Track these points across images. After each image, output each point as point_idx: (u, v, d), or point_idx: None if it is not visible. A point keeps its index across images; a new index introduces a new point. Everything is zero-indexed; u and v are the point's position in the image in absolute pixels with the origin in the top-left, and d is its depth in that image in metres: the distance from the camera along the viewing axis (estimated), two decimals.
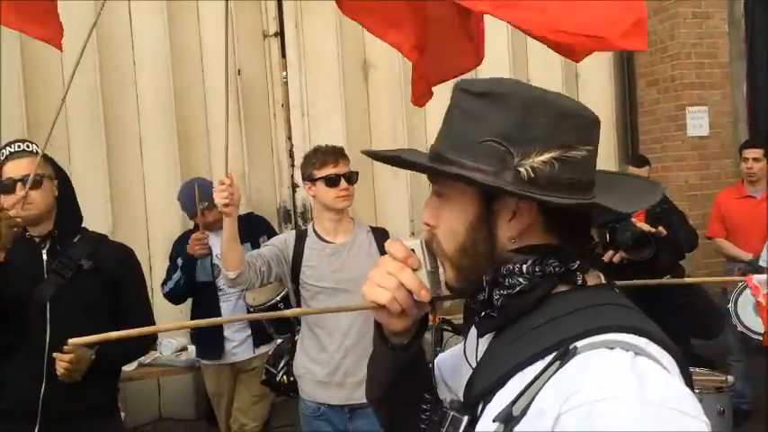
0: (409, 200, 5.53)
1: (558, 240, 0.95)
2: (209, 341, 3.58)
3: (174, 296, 3.61)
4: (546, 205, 0.91)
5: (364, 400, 2.58)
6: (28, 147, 2.33)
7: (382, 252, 3.01)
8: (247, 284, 2.58)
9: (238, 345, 3.55)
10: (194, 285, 3.52)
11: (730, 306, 3.46)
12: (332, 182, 2.63)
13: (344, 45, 5.49)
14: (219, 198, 2.40)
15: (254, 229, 3.61)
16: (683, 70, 5.71)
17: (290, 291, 2.76)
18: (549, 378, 0.82)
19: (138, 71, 5.19)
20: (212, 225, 3.52)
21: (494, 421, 0.85)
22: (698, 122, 5.69)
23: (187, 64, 5.27)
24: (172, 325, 2.77)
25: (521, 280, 0.93)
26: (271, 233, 3.74)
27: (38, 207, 2.26)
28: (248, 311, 3.43)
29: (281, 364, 2.91)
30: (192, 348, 4.22)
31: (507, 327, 0.95)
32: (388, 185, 5.60)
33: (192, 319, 3.67)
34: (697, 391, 3.51)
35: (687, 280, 2.64)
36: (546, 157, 0.90)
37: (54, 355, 2.18)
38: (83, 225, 2.47)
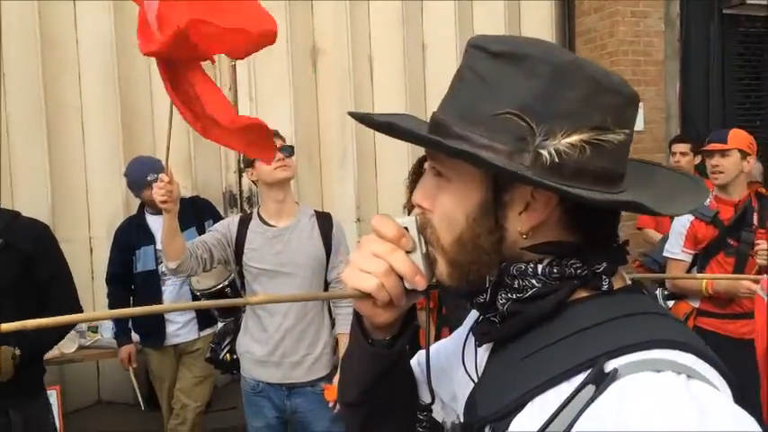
0: (355, 187, 5.60)
1: (581, 238, 0.79)
2: (151, 329, 3.59)
3: (113, 293, 3.68)
4: (570, 199, 0.74)
5: (302, 380, 2.68)
6: None
7: (324, 235, 3.05)
8: (189, 272, 2.61)
9: (181, 327, 3.58)
10: (132, 276, 3.55)
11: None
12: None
13: (293, 30, 5.49)
14: (158, 194, 2.42)
15: (198, 213, 3.63)
16: (621, 67, 5.92)
17: (234, 273, 2.81)
18: (587, 406, 0.67)
19: (81, 49, 5.08)
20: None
21: None
22: None
23: (132, 43, 5.18)
24: (109, 313, 2.77)
25: (534, 282, 0.78)
26: (216, 216, 3.76)
27: None
28: (193, 296, 3.45)
29: (225, 343, 2.96)
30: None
31: (514, 338, 0.80)
32: (335, 172, 5.66)
33: (134, 304, 3.67)
34: None
35: (706, 276, 2.75)
36: (575, 138, 0.73)
37: None
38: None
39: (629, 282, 0.82)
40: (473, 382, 0.86)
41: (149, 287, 3.51)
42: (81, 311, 2.57)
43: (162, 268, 3.49)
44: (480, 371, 0.86)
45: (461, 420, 0.86)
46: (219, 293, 3.31)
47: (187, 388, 3.59)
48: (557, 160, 0.72)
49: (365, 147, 5.61)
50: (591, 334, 0.73)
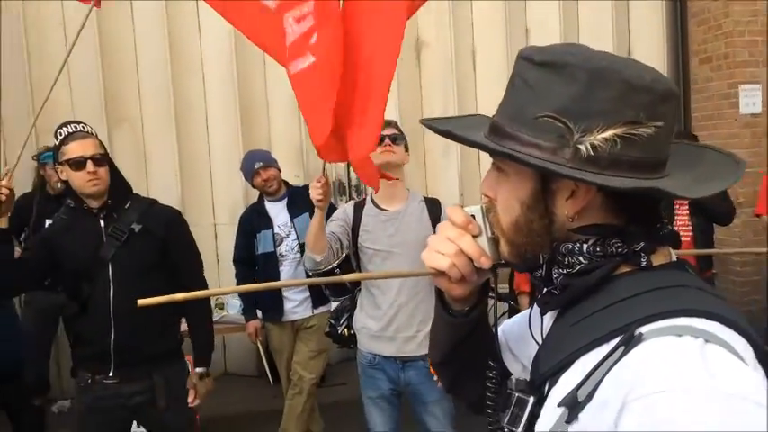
0: (458, 174, 5.74)
1: (622, 220, 0.90)
2: (271, 306, 3.90)
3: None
4: (598, 187, 0.86)
5: (415, 353, 2.86)
6: (84, 128, 2.62)
7: (433, 220, 3.24)
8: (327, 264, 2.82)
9: (298, 304, 3.85)
10: (255, 258, 3.88)
11: None
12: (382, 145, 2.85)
13: None
14: (315, 194, 2.64)
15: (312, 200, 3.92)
16: (737, 48, 5.69)
17: (350, 253, 3.02)
18: (614, 364, 0.78)
19: (205, 53, 5.52)
20: (266, 184, 3.84)
21: (559, 406, 0.83)
22: (751, 100, 5.68)
23: (249, 46, 5.56)
24: (237, 288, 3.07)
25: (581, 259, 0.89)
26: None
27: (104, 182, 2.58)
28: (307, 275, 3.72)
29: (343, 319, 3.17)
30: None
31: (570, 307, 0.92)
32: (438, 160, 5.82)
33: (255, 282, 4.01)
34: None
35: (745, 250, 2.72)
36: (608, 134, 0.83)
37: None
38: (135, 193, 2.77)
39: (673, 259, 0.93)
40: (537, 344, 1.00)
41: (269, 267, 3.81)
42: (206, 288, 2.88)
43: (280, 250, 3.80)
44: (544, 335, 1.00)
45: (522, 379, 0.98)
46: (330, 273, 3.53)
47: (303, 361, 3.87)
48: (593, 153, 0.84)
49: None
50: (627, 304, 0.84)
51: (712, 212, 4.33)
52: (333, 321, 3.25)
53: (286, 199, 3.92)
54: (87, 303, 2.61)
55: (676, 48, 6.31)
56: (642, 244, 0.89)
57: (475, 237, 0.98)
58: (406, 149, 3.00)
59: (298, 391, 3.86)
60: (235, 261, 3.97)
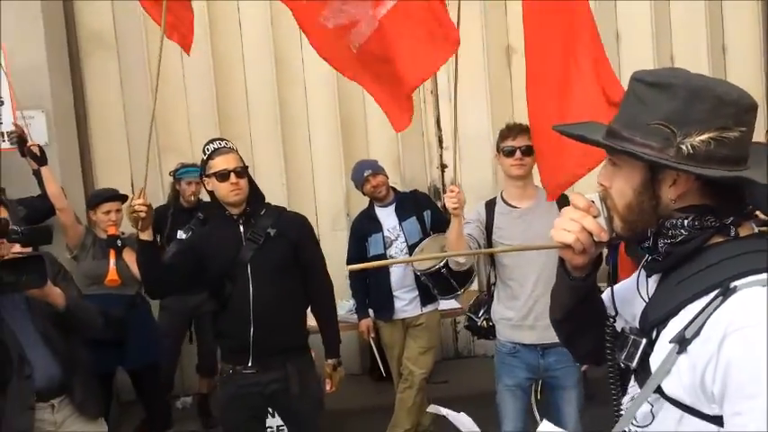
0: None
1: (714, 201, 1.15)
2: (382, 304, 4.16)
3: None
4: (697, 176, 1.12)
5: (554, 340, 3.01)
6: (227, 144, 2.95)
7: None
8: (470, 264, 3.07)
9: (407, 303, 4.10)
10: (367, 260, 4.12)
11: None
12: (509, 153, 3.06)
13: (488, 30, 5.86)
14: (450, 203, 2.85)
15: (419, 204, 4.17)
16: None
17: (483, 247, 3.21)
18: (715, 310, 1.05)
19: (307, 71, 5.85)
20: (376, 190, 4.11)
21: (670, 342, 1.10)
22: None
23: None
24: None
25: (682, 231, 1.15)
26: (433, 208, 4.26)
27: (244, 191, 2.88)
28: (416, 276, 3.96)
29: (481, 312, 3.37)
30: None
31: (672, 271, 1.18)
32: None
33: (369, 285, 4.28)
34: None
35: None
36: (704, 137, 1.09)
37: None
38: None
39: (756, 231, 1.19)
40: (644, 302, 1.25)
41: (380, 269, 4.07)
42: (332, 287, 3.16)
43: (390, 252, 4.05)
44: (650, 295, 1.25)
45: (635, 327, 1.25)
46: (437, 274, 3.74)
47: (413, 357, 4.10)
48: (691, 151, 1.10)
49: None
50: (722, 265, 1.11)
51: None
52: (470, 315, 3.44)
53: (394, 204, 4.18)
54: (229, 301, 2.91)
55: None
56: (731, 219, 1.15)
57: (594, 217, 1.23)
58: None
59: (408, 385, 4.09)
60: (348, 263, 4.24)
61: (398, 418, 4.15)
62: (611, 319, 1.32)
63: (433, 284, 3.83)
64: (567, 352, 2.96)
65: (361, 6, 2.85)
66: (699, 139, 1.10)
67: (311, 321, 4.36)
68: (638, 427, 1.18)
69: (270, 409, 3.31)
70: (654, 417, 1.15)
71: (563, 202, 3.11)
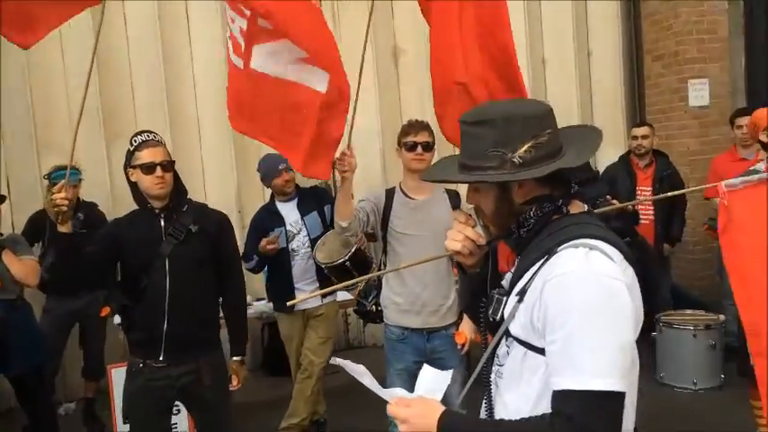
0: None
1: (548, 190, 1.48)
2: (283, 296, 4.13)
3: (254, 271, 4.34)
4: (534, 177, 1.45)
5: (438, 325, 3.24)
6: (155, 137, 2.92)
7: (453, 208, 3.72)
8: (354, 232, 3.15)
9: None
10: (270, 258, 4.18)
11: None
12: (410, 147, 3.23)
13: (375, 30, 6.05)
14: (340, 165, 2.94)
15: (319, 200, 4.28)
16: (686, 46, 6.22)
17: (378, 236, 3.37)
18: (541, 267, 1.40)
19: (196, 66, 5.82)
20: (287, 185, 4.19)
21: (516, 295, 1.46)
22: (699, 94, 6.22)
23: None
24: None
25: (532, 221, 1.49)
26: (332, 202, 4.33)
27: (169, 185, 2.88)
28: (317, 268, 4.07)
29: (371, 297, 3.53)
30: (256, 304, 4.95)
31: (530, 245, 1.51)
32: None
33: (268, 277, 4.39)
34: (691, 327, 4.22)
35: (663, 196, 3.10)
36: (525, 147, 1.42)
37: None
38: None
39: (584, 209, 1.53)
40: (511, 272, 1.58)
41: (282, 262, 4.16)
42: (244, 285, 3.23)
43: (292, 245, 4.15)
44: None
45: (502, 289, 1.56)
46: (340, 267, 3.87)
47: (313, 347, 4.21)
48: (521, 161, 1.43)
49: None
50: (555, 235, 1.44)
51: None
52: (360, 299, 3.59)
53: (296, 199, 4.27)
54: (143, 295, 2.89)
55: (631, 46, 6.81)
56: (561, 201, 1.49)
57: (473, 227, 1.57)
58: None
59: (307, 375, 4.20)
60: (244, 256, 4.21)
61: (296, 408, 4.24)
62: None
63: (335, 276, 3.93)
64: (450, 335, 3.26)
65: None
66: (522, 150, 1.42)
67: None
68: (498, 365, 1.52)
69: (177, 405, 3.31)
70: (508, 355, 1.48)
71: (453, 198, 3.38)
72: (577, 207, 1.53)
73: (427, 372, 1.61)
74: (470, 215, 1.56)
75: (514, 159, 1.42)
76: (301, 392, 4.23)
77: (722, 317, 4.85)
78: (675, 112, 6.36)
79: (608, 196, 2.99)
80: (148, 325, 2.89)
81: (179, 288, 2.87)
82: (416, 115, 6.07)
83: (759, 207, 1.79)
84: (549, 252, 1.40)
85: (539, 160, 1.43)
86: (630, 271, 1.41)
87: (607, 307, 1.30)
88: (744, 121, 5.19)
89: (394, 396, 1.50)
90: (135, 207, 3.00)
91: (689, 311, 5.01)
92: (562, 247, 1.39)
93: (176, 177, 2.96)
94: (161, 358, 2.89)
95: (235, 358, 3.12)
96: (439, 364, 3.24)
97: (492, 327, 1.54)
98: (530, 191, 1.49)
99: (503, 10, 2.89)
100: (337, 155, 2.95)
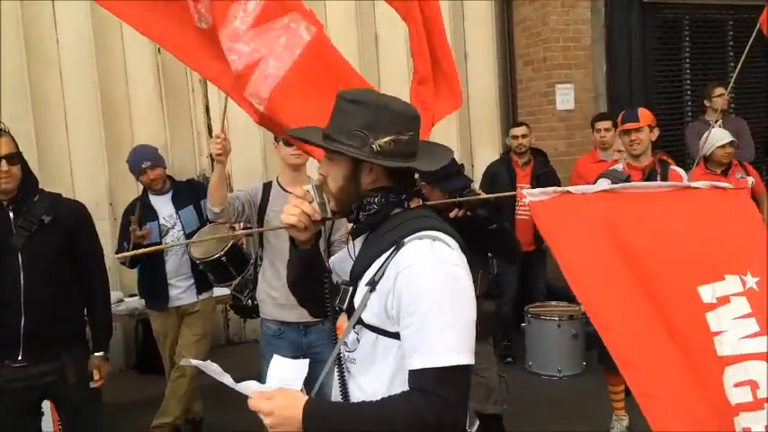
0: None
1: (395, 183, 1.59)
2: (156, 293, 4.08)
3: (128, 265, 4.17)
4: (382, 166, 1.54)
5: (315, 319, 3.21)
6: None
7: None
8: (227, 219, 3.09)
9: (183, 291, 4.06)
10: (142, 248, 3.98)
11: None
12: (287, 142, 3.17)
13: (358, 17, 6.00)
14: (214, 148, 2.88)
15: (195, 193, 4.15)
16: (553, 52, 6.60)
17: (254, 228, 3.32)
18: (391, 259, 1.50)
19: (62, 50, 5.47)
20: (153, 183, 4.04)
21: (365, 286, 1.53)
22: (565, 98, 6.63)
23: (107, 39, 5.59)
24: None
25: (374, 206, 1.58)
26: None
27: (15, 179, 2.72)
28: (192, 263, 3.95)
29: (246, 291, 3.46)
30: (128, 300, 4.73)
31: (370, 234, 1.62)
32: None
33: (140, 273, 4.19)
34: (556, 318, 4.51)
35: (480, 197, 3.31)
36: (387, 138, 1.51)
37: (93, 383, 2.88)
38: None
39: (420, 203, 1.66)
40: (353, 260, 1.66)
41: (155, 257, 3.97)
42: (107, 278, 3.07)
43: (166, 240, 4.00)
44: (356, 255, 1.65)
45: (347, 279, 1.64)
46: (216, 262, 3.79)
47: (188, 344, 4.08)
48: (380, 149, 1.52)
49: None
50: (398, 228, 1.54)
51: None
52: (236, 294, 3.52)
53: (171, 192, 4.12)
54: None
55: (504, 51, 7.13)
56: (404, 195, 1.61)
57: (310, 202, 1.60)
58: None
59: (181, 374, 4.08)
60: (116, 253, 4.08)
61: (168, 407, 4.11)
62: (327, 274, 1.73)
63: (211, 272, 3.86)
64: (326, 329, 3.26)
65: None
66: (384, 140, 1.51)
67: None
68: (348, 351, 1.60)
69: (42, 407, 3.12)
70: (359, 342, 1.56)
71: None
72: (416, 202, 1.66)
73: (278, 362, 1.63)
74: (308, 191, 1.61)
75: (374, 146, 1.51)
76: (174, 391, 4.10)
77: (582, 308, 5.20)
78: (544, 114, 6.73)
79: (473, 188, 3.13)
80: (5, 323, 2.72)
81: (35, 283, 2.72)
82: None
83: (560, 216, 1.90)
84: (397, 244, 1.50)
85: (394, 155, 1.54)
86: (464, 257, 1.56)
87: (453, 291, 1.45)
88: (603, 125, 5.60)
89: (250, 390, 1.50)
90: None
91: (554, 303, 5.33)
92: (409, 238, 1.50)
93: (26, 167, 2.81)
94: (20, 358, 2.73)
95: (96, 354, 2.96)
96: (316, 359, 3.30)
97: (336, 315, 1.66)
98: (377, 179, 1.58)
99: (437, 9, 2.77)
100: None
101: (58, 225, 2.81)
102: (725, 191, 2.07)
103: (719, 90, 5.71)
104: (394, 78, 6.02)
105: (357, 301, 1.55)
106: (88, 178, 5.60)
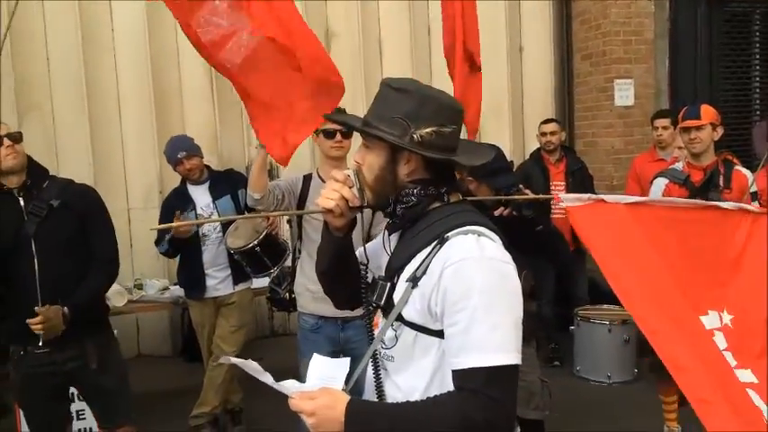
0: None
1: (434, 176, 1.53)
2: (193, 282, 4.08)
3: (168, 256, 4.20)
4: (426, 157, 1.49)
5: (353, 314, 3.15)
6: None
7: None
8: (267, 206, 3.05)
9: (220, 282, 4.06)
10: (181, 243, 3.98)
11: None
12: (329, 134, 3.12)
13: (307, 14, 5.94)
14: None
15: (233, 183, 4.14)
16: (613, 46, 6.35)
17: (293, 222, 3.27)
18: (434, 254, 1.44)
19: (117, 37, 5.56)
20: (190, 173, 4.04)
21: (406, 282, 1.48)
22: (624, 93, 6.37)
23: (162, 30, 5.66)
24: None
25: (412, 198, 1.52)
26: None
27: (22, 156, 2.75)
28: (229, 254, 3.95)
29: (285, 284, 3.43)
30: (173, 288, 4.77)
31: (407, 229, 1.56)
32: None
33: (179, 262, 4.19)
34: (606, 322, 4.31)
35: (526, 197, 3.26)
36: (429, 129, 1.46)
37: (27, 321, 2.62)
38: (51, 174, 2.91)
39: (460, 198, 1.60)
40: (388, 255, 1.61)
41: (192, 247, 4.00)
42: (118, 258, 3.00)
43: (202, 230, 4.00)
44: (392, 249, 1.60)
45: (383, 275, 1.58)
46: (250, 252, 3.78)
47: (224, 335, 4.08)
48: (420, 139, 1.46)
49: None
50: (440, 223, 1.49)
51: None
52: (273, 287, 3.47)
53: (208, 182, 4.11)
54: (13, 279, 2.73)
55: (561, 44, 6.91)
56: (444, 188, 1.55)
57: (350, 188, 1.53)
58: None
59: (219, 363, 4.08)
60: (157, 242, 4.10)
61: (206, 397, 4.12)
62: (364, 267, 1.66)
63: (247, 263, 3.86)
64: (363, 325, 3.19)
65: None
66: (426, 131, 1.46)
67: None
68: (385, 348, 1.55)
69: (74, 392, 3.14)
70: (397, 339, 1.51)
71: None
72: (456, 197, 1.59)
73: (318, 361, 1.59)
74: (349, 176, 1.55)
75: (415, 135, 1.45)
76: (212, 381, 4.11)
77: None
78: (602, 110, 6.49)
79: (521, 186, 3.00)
80: (24, 310, 2.70)
81: (49, 269, 2.72)
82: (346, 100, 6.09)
83: (597, 223, 1.96)
84: (441, 239, 1.45)
85: (435, 147, 1.48)
86: (508, 254, 1.49)
87: (502, 289, 1.40)
88: (662, 122, 5.33)
89: (291, 389, 1.46)
90: None
91: (605, 306, 5.12)
92: (453, 233, 1.45)
93: (29, 157, 2.84)
94: (41, 344, 2.72)
95: (54, 305, 2.70)
96: (353, 354, 3.23)
97: (372, 311, 1.60)
98: (415, 171, 1.52)
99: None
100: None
101: (69, 209, 2.81)
102: (750, 213, 2.13)
103: None
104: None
105: (396, 297, 1.51)
106: (140, 166, 5.69)
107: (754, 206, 2.23)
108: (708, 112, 3.81)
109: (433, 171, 1.53)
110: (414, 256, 1.49)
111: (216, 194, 4.08)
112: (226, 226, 3.98)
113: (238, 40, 2.62)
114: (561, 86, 6.96)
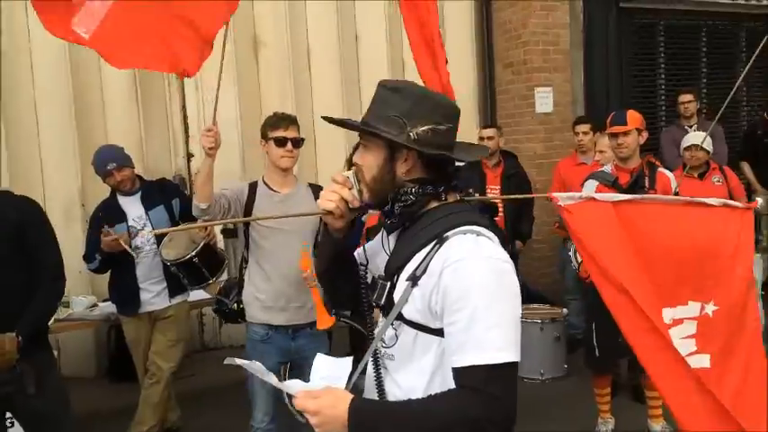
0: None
1: (432, 175, 1.57)
2: (126, 298, 3.93)
3: (98, 272, 4.02)
4: (423, 154, 1.53)
5: (304, 321, 3.12)
6: None
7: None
8: (213, 216, 2.98)
9: (155, 295, 3.93)
10: (113, 257, 3.84)
11: (570, 252, 4.32)
12: (280, 143, 3.11)
13: (235, 22, 5.84)
14: (206, 141, 2.82)
15: (167, 193, 4.02)
16: (533, 55, 6.60)
17: (239, 230, 3.22)
18: (434, 253, 1.48)
19: (33, 39, 5.28)
20: (121, 184, 3.89)
21: (406, 281, 1.51)
22: (544, 101, 6.63)
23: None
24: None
25: (411, 197, 1.55)
26: (182, 196, 4.14)
27: None
28: (164, 266, 3.83)
29: (232, 295, 3.33)
30: (102, 305, 4.57)
31: (406, 228, 1.59)
32: (327, 152, 6.11)
33: (111, 277, 4.02)
34: (538, 321, 4.46)
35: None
36: (425, 127, 1.50)
37: None
38: None
39: (458, 197, 1.63)
40: (387, 255, 1.64)
41: (124, 261, 3.84)
42: (64, 273, 2.89)
43: (135, 242, 3.86)
44: (391, 249, 1.64)
45: (382, 274, 1.62)
46: (188, 263, 3.69)
47: (162, 350, 3.95)
48: (417, 137, 1.50)
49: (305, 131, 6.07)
50: (438, 222, 1.53)
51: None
52: (220, 297, 3.39)
53: (140, 193, 3.97)
54: None
55: (483, 54, 7.10)
56: (442, 187, 1.58)
57: (349, 189, 1.57)
58: None
59: (155, 380, 3.95)
60: (86, 257, 3.93)
61: (143, 415, 3.98)
62: (363, 267, 1.71)
63: (184, 274, 3.76)
64: (315, 333, 3.19)
65: None
66: (422, 129, 1.50)
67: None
68: (385, 347, 1.58)
69: (9, 417, 2.94)
70: (397, 338, 1.55)
71: (317, 191, 3.31)
72: (453, 197, 1.62)
73: (321, 360, 1.60)
74: (348, 178, 1.58)
75: (411, 133, 1.49)
76: (149, 399, 3.98)
77: (565, 311, 5.19)
78: (524, 117, 6.72)
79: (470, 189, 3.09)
80: None
81: None
82: (277, 107, 6.03)
83: (591, 221, 2.04)
84: (440, 238, 1.48)
85: (431, 144, 1.51)
86: (503, 250, 1.54)
87: (501, 287, 1.43)
88: (582, 128, 5.60)
89: (295, 389, 1.49)
90: None
91: (534, 305, 5.31)
92: (451, 233, 1.49)
93: None
94: None
95: (9, 334, 2.64)
96: (304, 363, 3.20)
97: (372, 309, 1.63)
98: (413, 169, 1.55)
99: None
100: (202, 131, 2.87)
101: (4, 222, 2.67)
102: (734, 209, 2.23)
103: (688, 97, 5.98)
104: (374, 78, 5.93)
105: (396, 296, 1.54)
106: (59, 178, 5.43)
107: (741, 202, 2.41)
108: (633, 117, 4.03)
109: (431, 169, 1.56)
110: (413, 256, 1.52)
111: (148, 205, 3.94)
112: (160, 238, 3.86)
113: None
114: (483, 94, 7.15)
